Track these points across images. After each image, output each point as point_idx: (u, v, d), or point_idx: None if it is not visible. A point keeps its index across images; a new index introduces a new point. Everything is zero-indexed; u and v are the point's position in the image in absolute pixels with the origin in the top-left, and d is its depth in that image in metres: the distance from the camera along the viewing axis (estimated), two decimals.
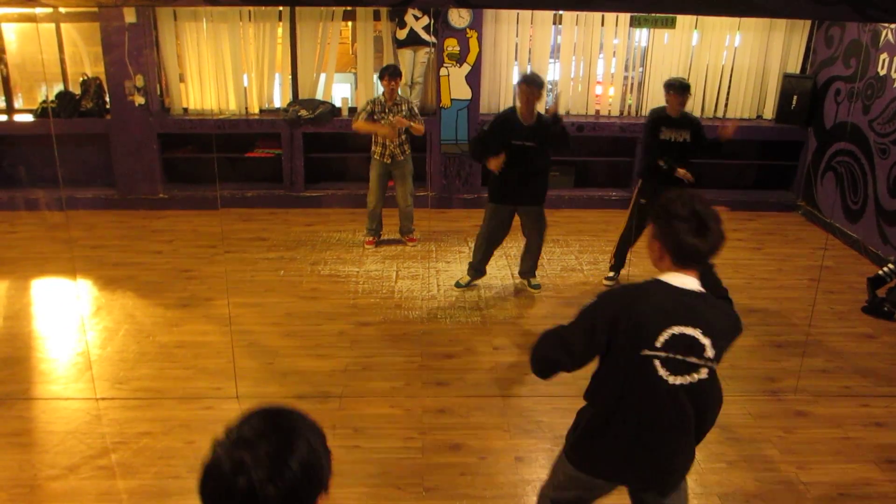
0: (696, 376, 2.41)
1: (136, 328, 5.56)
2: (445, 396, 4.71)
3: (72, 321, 5.68)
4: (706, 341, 2.38)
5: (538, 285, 6.37)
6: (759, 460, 4.14)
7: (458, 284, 6.38)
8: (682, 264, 2.42)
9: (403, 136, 6.96)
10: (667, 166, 5.97)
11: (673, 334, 2.37)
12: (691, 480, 3.94)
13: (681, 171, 5.97)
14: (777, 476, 4.01)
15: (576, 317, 2.52)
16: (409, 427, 4.37)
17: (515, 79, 8.61)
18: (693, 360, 2.39)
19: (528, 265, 6.35)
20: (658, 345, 2.38)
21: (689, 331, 2.37)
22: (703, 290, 2.45)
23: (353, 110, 8.50)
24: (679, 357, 2.38)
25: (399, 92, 6.90)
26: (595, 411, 2.62)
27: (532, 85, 5.70)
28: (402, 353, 5.25)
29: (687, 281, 2.42)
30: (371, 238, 7.32)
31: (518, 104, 5.82)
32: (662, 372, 2.40)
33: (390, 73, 6.75)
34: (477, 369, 5.07)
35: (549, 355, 2.58)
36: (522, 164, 5.80)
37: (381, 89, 6.88)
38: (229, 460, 1.38)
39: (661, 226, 2.43)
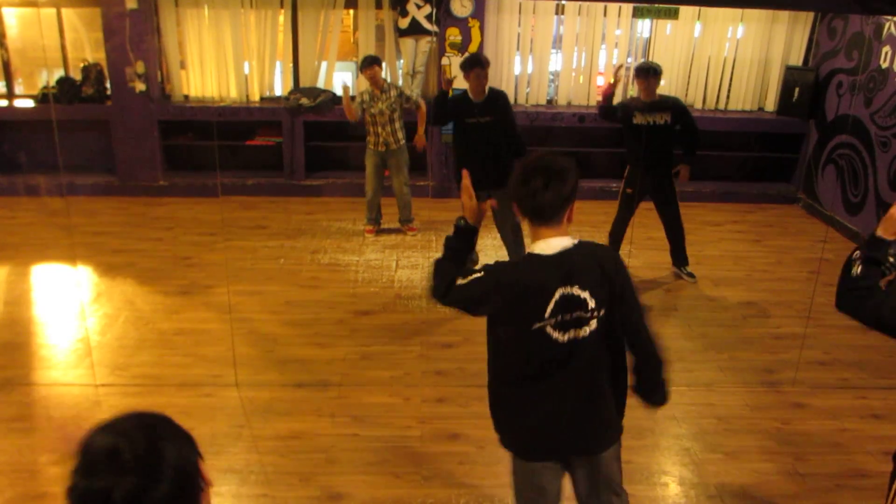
0: (587, 329, 2.44)
1: (136, 315, 5.57)
2: (444, 386, 4.72)
3: (72, 307, 5.68)
4: (585, 294, 2.41)
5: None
6: (756, 451, 4.15)
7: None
8: (533, 220, 2.46)
9: (396, 125, 6.96)
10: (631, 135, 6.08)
11: (556, 301, 2.40)
12: (688, 471, 3.96)
13: (681, 177, 6.08)
14: (774, 467, 4.03)
15: (463, 282, 2.52)
16: (408, 416, 4.38)
17: (517, 69, 8.60)
18: (579, 314, 2.42)
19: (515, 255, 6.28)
20: (547, 315, 2.41)
21: (568, 290, 2.41)
22: (571, 242, 2.47)
23: (353, 99, 8.47)
24: (566, 317, 2.42)
25: (387, 79, 6.91)
26: (502, 390, 2.64)
27: (478, 67, 5.76)
28: (402, 343, 5.25)
29: (552, 243, 2.44)
30: (371, 226, 7.33)
31: (469, 87, 5.86)
32: (555, 334, 2.43)
33: (366, 63, 6.79)
34: (476, 359, 5.06)
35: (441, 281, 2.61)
36: (482, 142, 5.79)
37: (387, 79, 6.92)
38: (98, 481, 1.29)
39: (511, 184, 2.47)
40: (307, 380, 4.72)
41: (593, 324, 2.44)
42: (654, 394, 2.69)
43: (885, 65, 7.18)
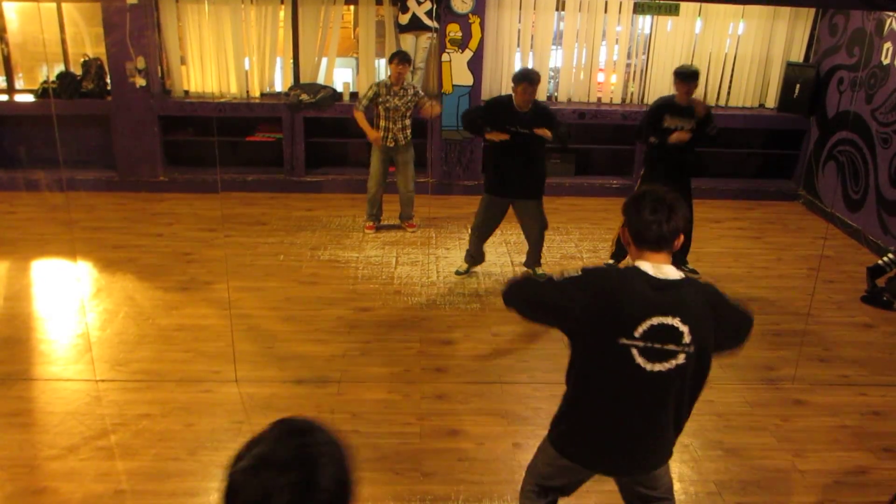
0: (673, 362, 2.45)
1: (136, 311, 5.57)
2: (444, 382, 4.72)
3: (72, 303, 5.68)
4: (684, 328, 2.41)
5: (543, 275, 6.37)
6: (756, 448, 4.16)
7: (457, 272, 6.38)
8: (644, 246, 2.48)
9: (407, 121, 6.95)
10: (657, 142, 5.96)
11: (652, 325, 2.41)
12: (688, 468, 3.96)
13: (673, 137, 5.92)
14: (774, 464, 4.03)
15: (558, 280, 2.57)
16: (408, 412, 4.38)
17: (517, 66, 8.59)
18: (671, 347, 2.43)
19: (530, 258, 6.32)
20: (637, 335, 2.42)
21: (668, 320, 2.41)
22: (681, 275, 2.49)
23: (354, 95, 8.47)
24: (657, 346, 2.42)
25: (406, 78, 6.90)
26: (574, 395, 2.66)
27: (527, 82, 5.64)
28: (401, 339, 5.25)
29: (663, 269, 2.46)
30: (371, 223, 7.32)
31: (515, 98, 5.76)
32: (640, 360, 2.44)
33: (400, 58, 6.77)
34: (476, 356, 5.08)
35: (527, 295, 2.71)
36: (517, 152, 5.78)
37: (383, 74, 6.88)
38: (256, 485, 1.31)
39: (627, 210, 2.52)
40: (307, 376, 4.72)
41: (681, 358, 2.45)
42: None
43: (886, 61, 7.17)
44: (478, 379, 4.77)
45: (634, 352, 2.43)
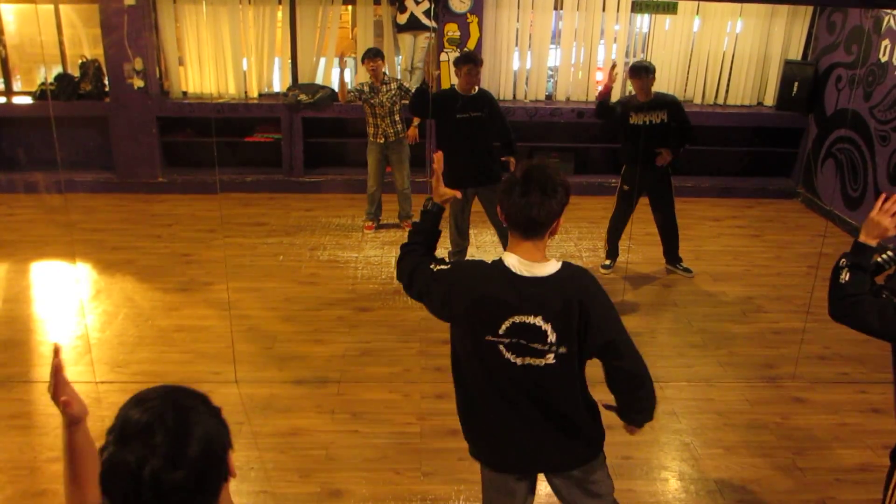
0: (542, 361, 2.38)
1: (136, 312, 5.57)
2: (444, 382, 4.68)
3: (71, 305, 5.68)
4: (547, 327, 2.34)
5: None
6: (756, 446, 4.16)
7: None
8: (516, 232, 2.37)
9: (396, 117, 6.96)
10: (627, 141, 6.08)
11: (514, 322, 2.35)
12: (688, 466, 3.96)
13: (659, 161, 5.99)
14: (774, 462, 4.03)
15: (431, 267, 2.54)
16: (408, 412, 4.38)
17: (516, 65, 8.59)
18: (537, 346, 2.36)
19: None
20: (501, 332, 2.37)
21: (530, 319, 2.34)
22: (551, 269, 2.37)
23: (350, 90, 8.47)
24: (523, 342, 2.37)
25: (386, 72, 6.94)
26: (465, 393, 2.63)
27: (471, 63, 5.71)
28: (401, 339, 5.26)
29: (531, 265, 2.35)
30: (370, 223, 7.32)
31: (459, 82, 5.83)
32: (508, 355, 2.39)
33: (369, 55, 6.85)
34: None
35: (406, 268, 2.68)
36: (471, 138, 5.76)
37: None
38: (128, 455, 1.30)
39: (501, 188, 2.40)
40: (306, 376, 4.72)
41: (550, 357, 2.37)
42: (639, 413, 2.60)
43: (884, 58, 7.17)
44: None
45: (501, 348, 2.38)
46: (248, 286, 6.01)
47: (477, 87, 5.85)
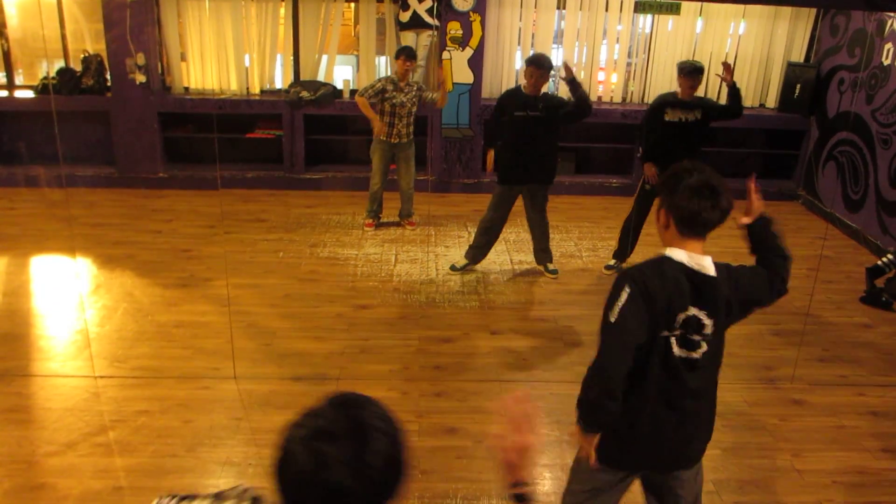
0: (699, 352, 2.46)
1: (135, 307, 5.57)
2: (443, 380, 4.72)
3: (71, 299, 5.68)
4: (709, 321, 2.42)
5: (556, 270, 6.36)
6: (754, 447, 4.16)
7: (452, 268, 6.38)
8: (687, 232, 2.42)
9: (411, 118, 6.95)
10: (658, 138, 6.03)
11: (688, 316, 2.41)
12: None
13: (726, 75, 6.02)
14: (772, 463, 4.03)
15: (615, 320, 2.37)
16: (407, 410, 4.38)
17: (518, 64, 8.59)
18: (697, 338, 2.44)
19: (541, 250, 6.33)
20: (677, 325, 2.41)
21: (698, 313, 2.42)
22: (713, 268, 2.44)
23: (354, 93, 8.46)
24: (689, 336, 2.43)
25: (389, 73, 6.90)
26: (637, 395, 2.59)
27: (538, 66, 5.72)
28: (400, 337, 5.25)
29: (699, 259, 2.42)
30: (371, 220, 7.32)
31: (523, 83, 5.86)
32: (676, 349, 2.44)
33: (406, 55, 6.76)
34: (474, 354, 5.08)
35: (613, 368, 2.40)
36: (528, 137, 5.80)
37: (382, 72, 6.88)
38: (310, 454, 1.33)
39: (669, 191, 2.42)
40: (305, 373, 4.72)
41: (704, 346, 2.45)
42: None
43: (887, 62, 7.17)
44: (476, 377, 4.77)
45: (673, 341, 2.43)
46: (247, 282, 6.01)
47: (542, 91, 5.88)
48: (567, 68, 5.81)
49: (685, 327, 2.42)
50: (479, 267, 6.43)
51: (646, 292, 2.37)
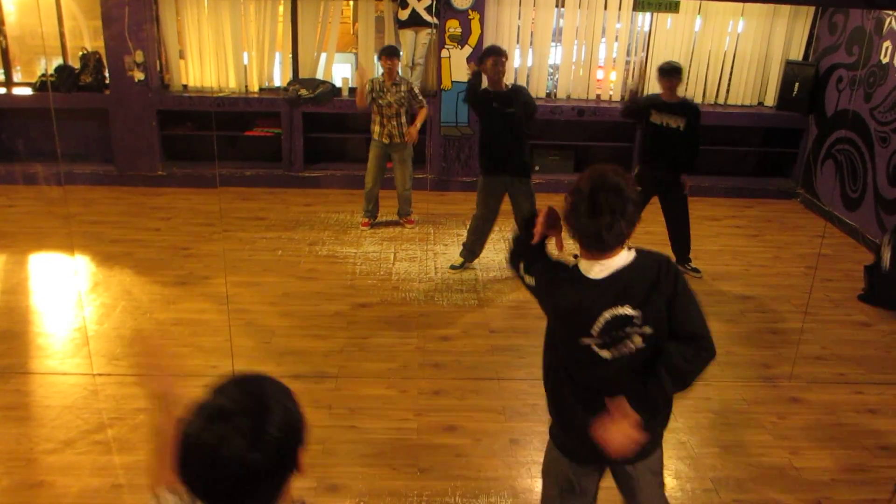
0: (631, 345, 2.41)
1: (134, 305, 5.56)
2: (441, 378, 4.72)
3: (69, 297, 5.68)
4: (636, 312, 2.37)
5: None
6: (752, 445, 4.16)
7: (452, 266, 6.39)
8: (594, 252, 2.36)
9: (402, 119, 6.92)
10: (647, 135, 6.12)
11: (605, 320, 2.38)
12: (684, 465, 3.96)
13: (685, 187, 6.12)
14: (770, 461, 4.04)
15: (527, 281, 2.58)
16: (405, 408, 4.39)
17: (517, 62, 8.59)
18: (626, 330, 2.40)
19: None
20: (594, 333, 2.39)
21: (617, 311, 2.37)
22: (626, 260, 2.37)
23: (353, 91, 8.46)
24: (614, 334, 2.40)
25: (399, 72, 6.87)
26: (555, 382, 2.64)
27: (495, 55, 5.74)
28: (399, 335, 5.26)
29: (606, 264, 2.36)
30: (367, 220, 7.30)
31: (486, 80, 5.90)
32: (602, 353, 2.42)
33: (387, 53, 6.74)
34: (473, 352, 5.09)
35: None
36: (503, 130, 5.84)
37: (380, 70, 6.87)
38: (209, 434, 1.39)
39: (566, 203, 2.35)
40: (304, 371, 4.72)
41: (637, 339, 2.41)
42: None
43: (885, 60, 7.17)
44: (475, 375, 4.78)
45: (594, 347, 2.42)
46: (246, 280, 6.01)
47: (510, 84, 5.92)
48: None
49: (607, 330, 2.39)
50: (477, 265, 6.44)
51: (549, 297, 2.54)
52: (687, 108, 6.07)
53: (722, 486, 3.83)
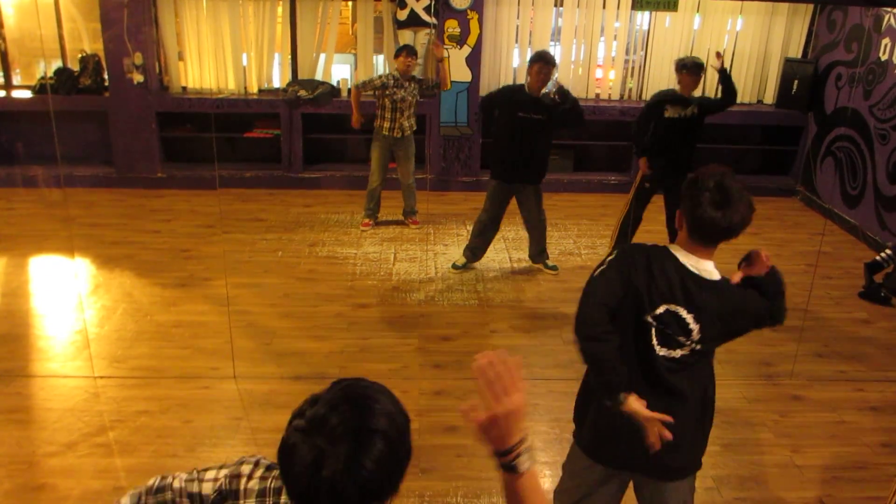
0: (679, 352, 2.44)
1: (134, 307, 5.56)
2: (442, 378, 4.72)
3: (70, 299, 5.68)
4: (695, 326, 2.41)
5: (555, 266, 6.39)
6: (754, 443, 4.16)
7: (454, 266, 6.39)
8: (698, 238, 2.42)
9: (412, 111, 6.99)
10: (659, 134, 6.03)
11: (667, 310, 2.41)
12: None
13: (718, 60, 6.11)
14: (772, 459, 4.04)
15: (599, 273, 2.48)
16: (407, 409, 4.38)
17: (516, 62, 8.58)
18: (681, 338, 2.43)
19: (538, 248, 6.35)
20: (656, 313, 2.42)
21: (685, 314, 2.40)
22: (715, 276, 2.45)
23: (365, 86, 8.43)
24: (669, 332, 2.42)
25: (387, 70, 6.94)
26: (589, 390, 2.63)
27: (546, 63, 5.73)
28: (400, 336, 5.26)
29: (695, 262, 2.43)
30: (368, 220, 7.30)
31: (528, 80, 5.84)
32: (655, 342, 2.44)
33: (408, 52, 6.85)
34: (474, 352, 5.06)
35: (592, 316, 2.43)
36: (528, 138, 5.82)
37: (380, 70, 6.89)
38: (309, 449, 1.35)
39: (687, 195, 2.42)
40: (305, 372, 4.72)
41: (687, 350, 2.44)
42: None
43: (884, 57, 7.17)
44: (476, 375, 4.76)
45: (653, 331, 2.43)
46: (246, 282, 6.01)
47: (543, 92, 5.90)
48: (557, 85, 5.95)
49: (665, 321, 2.41)
50: (478, 265, 6.44)
51: (627, 264, 2.44)
52: (700, 99, 6.09)
53: (724, 484, 3.83)
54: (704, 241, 2.43)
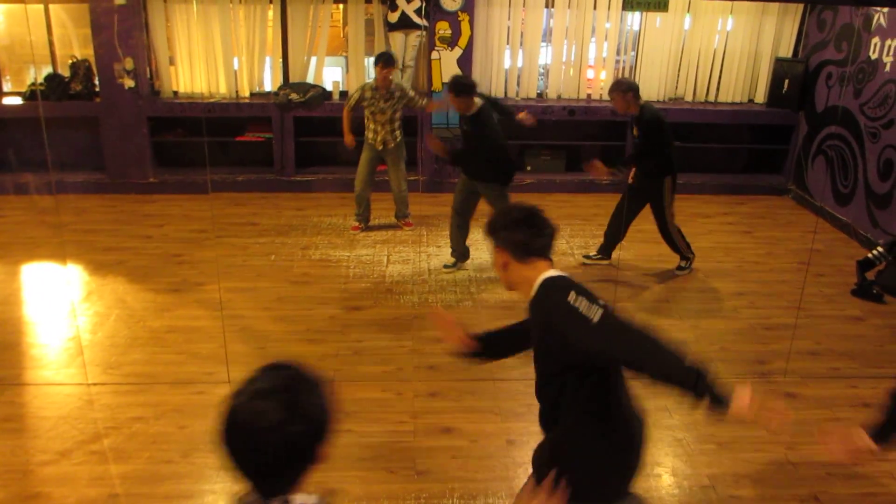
0: None
1: (127, 313, 5.55)
2: (437, 380, 4.72)
3: (62, 306, 5.66)
4: None
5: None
6: (748, 441, 4.17)
7: (445, 266, 6.41)
8: (540, 257, 2.69)
9: (396, 124, 6.93)
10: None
11: None
12: (681, 462, 3.98)
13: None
14: (766, 456, 4.05)
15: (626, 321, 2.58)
16: (401, 411, 4.39)
17: (507, 63, 8.60)
18: None
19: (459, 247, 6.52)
20: None
21: None
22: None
23: (344, 94, 8.46)
24: None
25: (392, 80, 6.83)
26: (610, 425, 2.64)
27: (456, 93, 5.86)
28: (394, 338, 5.25)
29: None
30: (358, 224, 7.29)
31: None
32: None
33: (385, 61, 6.68)
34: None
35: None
36: (465, 138, 6.15)
37: (372, 73, 6.87)
38: (251, 410, 1.59)
39: (504, 233, 2.64)
40: None
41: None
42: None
43: (874, 56, 7.20)
44: (470, 376, 4.77)
45: None
46: (240, 286, 6.00)
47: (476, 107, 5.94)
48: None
49: None
50: (471, 266, 6.44)
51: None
52: (643, 119, 5.98)
53: (719, 482, 3.84)
54: (541, 256, 2.76)
